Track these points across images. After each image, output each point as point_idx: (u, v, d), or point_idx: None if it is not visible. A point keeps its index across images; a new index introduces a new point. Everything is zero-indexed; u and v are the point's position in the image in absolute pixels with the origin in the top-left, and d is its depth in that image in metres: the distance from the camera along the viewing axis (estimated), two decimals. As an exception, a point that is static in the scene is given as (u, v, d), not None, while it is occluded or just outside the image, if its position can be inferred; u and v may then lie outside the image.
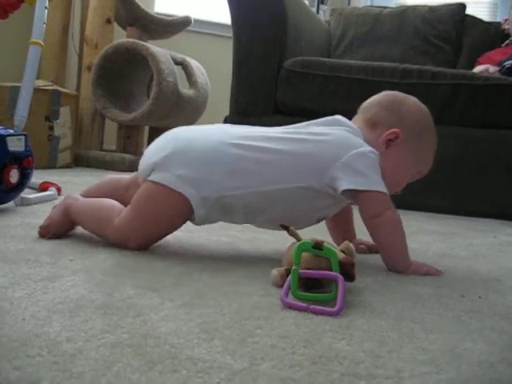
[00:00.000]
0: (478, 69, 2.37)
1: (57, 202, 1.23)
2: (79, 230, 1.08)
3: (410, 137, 1.05)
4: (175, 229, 1.02)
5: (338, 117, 1.08)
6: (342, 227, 1.16)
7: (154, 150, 1.00)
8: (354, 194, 0.97)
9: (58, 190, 1.60)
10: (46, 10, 1.43)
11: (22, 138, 1.31)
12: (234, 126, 1.08)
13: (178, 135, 1.02)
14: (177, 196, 0.95)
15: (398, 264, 0.99)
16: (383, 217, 0.97)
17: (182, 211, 0.97)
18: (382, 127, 1.05)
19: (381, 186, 0.98)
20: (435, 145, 1.11)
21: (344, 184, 0.96)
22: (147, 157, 1.01)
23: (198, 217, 0.98)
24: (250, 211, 0.99)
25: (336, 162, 0.97)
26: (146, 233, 0.99)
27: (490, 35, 2.80)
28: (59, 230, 1.04)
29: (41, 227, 1.04)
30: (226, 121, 2.27)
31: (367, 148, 1.00)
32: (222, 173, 0.96)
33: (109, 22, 2.92)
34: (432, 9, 2.89)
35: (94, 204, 1.05)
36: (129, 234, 0.98)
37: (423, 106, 1.11)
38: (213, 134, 1.01)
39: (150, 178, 0.98)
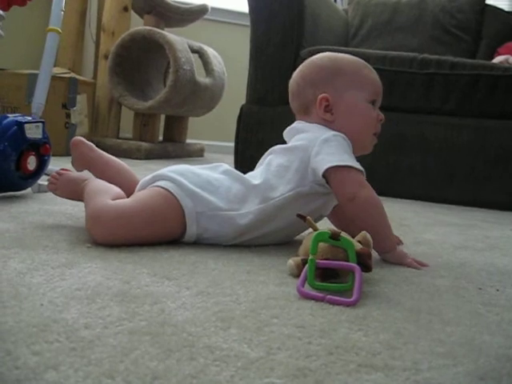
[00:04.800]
0: (497, 59, 2.34)
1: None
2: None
3: (334, 85, 1.05)
4: (161, 239, 0.95)
5: (287, 130, 1.10)
6: (345, 222, 1.11)
7: (164, 169, 1.02)
8: (330, 178, 0.97)
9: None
10: (64, -2, 1.43)
11: (40, 125, 1.31)
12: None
13: (181, 165, 1.05)
14: (176, 205, 0.95)
15: (381, 245, 0.96)
16: (360, 198, 0.95)
17: (176, 222, 0.95)
18: (312, 106, 1.07)
19: (353, 162, 0.97)
20: (360, 62, 1.10)
21: (320, 168, 0.96)
22: (155, 172, 1.02)
23: (188, 232, 0.96)
24: (242, 232, 0.98)
25: (309, 159, 0.99)
26: (134, 227, 0.92)
27: (510, 25, 2.76)
28: (65, 185, 1.07)
29: (55, 172, 1.09)
30: (242, 110, 2.27)
31: (330, 133, 1.01)
32: (217, 196, 0.97)
33: (126, 9, 2.92)
34: (452, -2, 2.85)
35: (102, 183, 1.03)
36: (112, 218, 0.91)
37: (317, 56, 1.12)
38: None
39: (153, 184, 0.99)
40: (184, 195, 0.95)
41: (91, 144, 1.13)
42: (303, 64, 1.13)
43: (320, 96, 1.05)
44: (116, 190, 1.00)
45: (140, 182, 1.03)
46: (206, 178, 1.00)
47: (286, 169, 1.01)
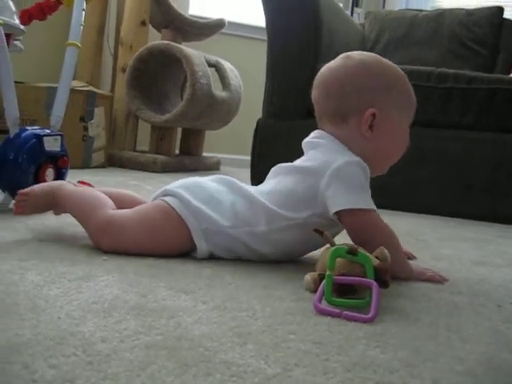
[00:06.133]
0: (515, 73, 2.33)
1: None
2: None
3: (384, 101, 0.97)
4: (166, 252, 0.95)
5: (306, 141, 1.03)
6: None
7: (172, 183, 1.02)
8: (342, 220, 0.92)
9: (92, 189, 1.62)
10: (84, 12, 1.45)
11: (59, 138, 1.33)
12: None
13: (193, 178, 1.04)
14: (179, 222, 0.95)
15: (399, 274, 0.93)
16: (375, 241, 0.87)
17: (181, 238, 0.95)
18: (353, 115, 0.97)
19: (364, 202, 0.91)
20: (406, 77, 1.02)
21: (331, 208, 0.91)
22: (165, 187, 1.02)
23: (199, 250, 0.96)
24: (250, 248, 0.97)
25: (318, 187, 0.93)
26: (135, 237, 0.94)
27: (528, 39, 2.75)
28: (35, 204, 1.04)
29: (19, 193, 1.03)
30: (259, 123, 2.28)
31: (342, 160, 0.93)
32: (220, 212, 0.96)
33: (144, 24, 2.95)
34: (469, 12, 2.84)
35: (85, 190, 1.04)
36: (116, 229, 0.94)
37: (366, 58, 1.01)
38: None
39: (160, 198, 0.99)
40: (188, 213, 0.95)
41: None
42: (350, 63, 1.00)
43: (369, 111, 0.96)
44: (107, 199, 1.00)
45: (151, 197, 1.03)
46: (211, 192, 0.98)
47: (293, 193, 0.96)
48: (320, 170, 0.94)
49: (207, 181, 1.03)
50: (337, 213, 0.91)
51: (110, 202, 1.00)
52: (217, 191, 0.99)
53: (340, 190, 0.91)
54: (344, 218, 0.91)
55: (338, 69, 1.01)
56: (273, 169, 1.06)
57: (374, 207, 0.93)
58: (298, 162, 1.01)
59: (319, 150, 0.99)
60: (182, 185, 1.00)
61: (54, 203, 1.04)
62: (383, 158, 1.01)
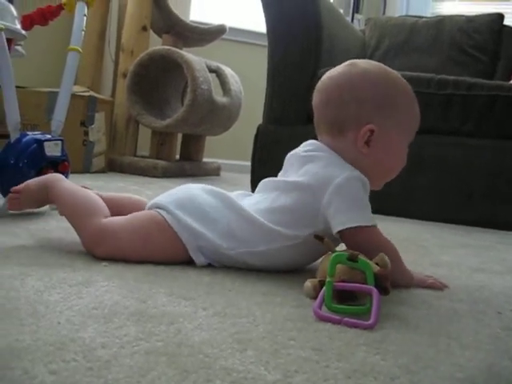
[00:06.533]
0: (515, 80, 2.33)
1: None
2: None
3: (384, 117, 0.94)
4: (162, 261, 0.94)
5: (303, 150, 1.00)
6: None
7: (163, 195, 1.00)
8: (344, 237, 0.91)
9: (93, 194, 1.62)
10: (85, 18, 1.45)
11: (59, 142, 1.33)
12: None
13: (187, 188, 1.02)
14: (173, 235, 0.93)
15: (400, 281, 0.92)
16: (376, 255, 0.84)
17: (176, 250, 0.94)
18: (351, 128, 0.95)
19: (366, 219, 0.90)
20: (413, 95, 0.99)
21: (333, 227, 0.90)
22: (157, 198, 1.00)
23: (198, 262, 0.94)
24: (249, 265, 0.95)
25: (320, 205, 0.91)
26: (130, 246, 0.93)
27: (528, 46, 2.76)
28: (29, 200, 1.02)
29: (12, 190, 1.01)
30: (259, 129, 2.28)
31: (343, 176, 0.90)
32: (216, 232, 0.93)
33: (145, 29, 2.96)
34: (469, 19, 2.85)
35: (79, 191, 1.02)
36: (109, 238, 0.93)
37: (372, 68, 0.98)
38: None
39: (153, 209, 0.97)
40: (181, 228, 0.93)
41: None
42: (354, 71, 0.97)
43: (366, 127, 0.94)
44: (101, 205, 0.98)
45: (146, 207, 1.02)
46: (205, 209, 0.95)
47: (293, 211, 0.93)
48: (321, 187, 0.91)
49: (199, 192, 0.99)
50: (339, 232, 0.90)
51: (104, 209, 0.98)
52: (210, 207, 0.95)
53: (341, 207, 0.90)
54: (345, 235, 0.90)
55: (341, 76, 0.98)
56: (264, 182, 1.03)
57: (375, 223, 0.91)
58: (294, 178, 0.97)
59: (317, 163, 0.95)
60: (174, 200, 0.96)
61: (49, 199, 1.03)
62: (378, 174, 0.98)
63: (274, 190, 0.98)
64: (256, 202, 0.98)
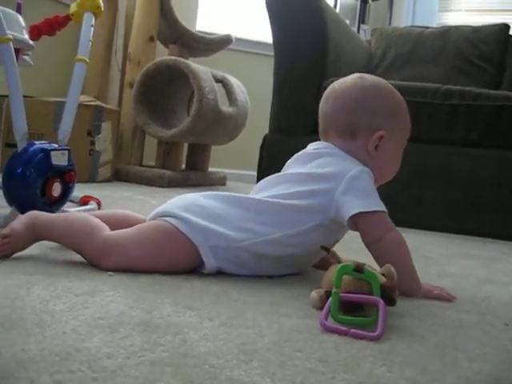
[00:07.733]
0: (521, 91, 2.33)
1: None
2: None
3: (390, 125, 1.04)
4: (172, 269, 0.94)
5: (313, 148, 1.07)
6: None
7: (165, 205, 1.00)
8: (353, 220, 0.95)
9: (98, 203, 1.62)
10: (92, 28, 1.46)
11: (66, 152, 1.33)
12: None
13: (185, 196, 1.03)
14: (184, 241, 0.94)
15: (408, 287, 0.93)
16: (386, 240, 0.95)
17: (187, 257, 0.95)
18: (362, 133, 1.03)
19: (378, 205, 0.96)
20: (406, 106, 1.09)
21: (346, 212, 0.95)
22: (159, 207, 1.00)
23: (208, 266, 0.95)
24: (262, 260, 0.97)
25: (334, 193, 0.97)
26: (138, 258, 0.93)
27: (534, 57, 2.76)
28: (19, 242, 0.96)
29: (1, 236, 0.95)
30: (265, 139, 2.28)
31: (357, 169, 0.99)
32: (228, 226, 0.95)
33: (152, 39, 2.97)
34: (475, 29, 2.85)
35: (68, 215, 1.01)
36: (116, 251, 0.92)
37: (378, 82, 1.08)
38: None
39: (160, 218, 0.97)
40: (193, 232, 0.94)
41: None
42: (365, 84, 1.07)
43: (379, 133, 1.02)
44: (99, 222, 0.97)
45: (147, 218, 1.02)
46: (213, 210, 0.97)
47: (306, 198, 0.98)
48: (337, 177, 0.98)
49: (201, 198, 1.00)
50: (353, 216, 0.94)
51: (103, 223, 0.97)
52: (215, 207, 0.97)
53: (356, 194, 0.96)
54: (357, 220, 0.95)
55: (355, 86, 1.06)
56: (265, 180, 1.06)
57: (386, 210, 0.97)
58: (304, 170, 1.03)
59: (330, 158, 1.02)
60: (179, 206, 0.97)
61: (39, 234, 0.98)
62: (380, 176, 1.05)
63: (283, 183, 1.02)
64: (263, 196, 1.01)
